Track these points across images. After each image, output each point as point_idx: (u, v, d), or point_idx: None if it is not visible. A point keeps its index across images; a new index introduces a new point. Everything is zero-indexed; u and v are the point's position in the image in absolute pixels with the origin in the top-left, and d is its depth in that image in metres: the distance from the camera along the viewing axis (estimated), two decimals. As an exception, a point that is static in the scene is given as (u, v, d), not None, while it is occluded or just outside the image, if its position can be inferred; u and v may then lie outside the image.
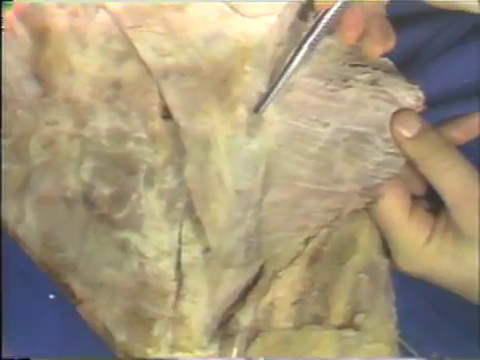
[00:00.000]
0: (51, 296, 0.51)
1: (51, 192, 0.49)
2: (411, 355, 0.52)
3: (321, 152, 0.47)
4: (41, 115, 0.49)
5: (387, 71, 0.47)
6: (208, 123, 0.46)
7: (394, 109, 0.47)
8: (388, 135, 0.47)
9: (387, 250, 0.49)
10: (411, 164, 0.47)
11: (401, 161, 0.47)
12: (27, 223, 0.49)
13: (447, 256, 0.45)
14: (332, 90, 0.47)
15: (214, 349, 0.48)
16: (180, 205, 0.48)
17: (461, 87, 0.54)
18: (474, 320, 0.51)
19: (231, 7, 0.47)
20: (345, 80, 0.47)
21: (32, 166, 0.49)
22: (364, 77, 0.47)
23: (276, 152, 0.47)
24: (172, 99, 0.47)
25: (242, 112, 0.46)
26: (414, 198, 0.48)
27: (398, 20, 0.49)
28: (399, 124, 0.46)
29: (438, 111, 0.52)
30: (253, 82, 0.46)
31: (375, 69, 0.47)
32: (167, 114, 0.47)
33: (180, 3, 0.47)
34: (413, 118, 0.46)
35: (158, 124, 0.48)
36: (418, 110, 0.47)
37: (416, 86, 0.47)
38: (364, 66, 0.47)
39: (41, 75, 0.49)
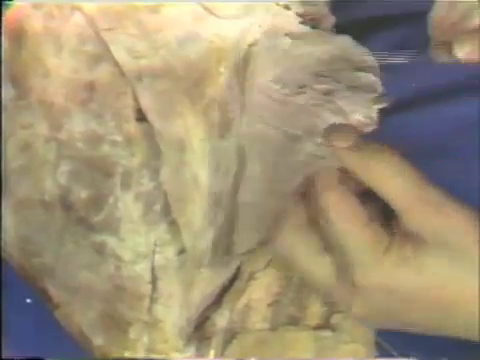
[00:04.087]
0: (28, 300, 0.51)
1: (29, 196, 0.49)
2: (391, 355, 0.52)
3: (274, 155, 0.47)
4: (17, 118, 0.49)
5: (352, 87, 0.47)
6: (182, 125, 0.47)
7: (336, 120, 0.47)
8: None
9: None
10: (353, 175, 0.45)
11: None
12: (5, 227, 0.49)
13: (409, 263, 0.42)
14: (286, 94, 0.47)
15: (191, 351, 0.48)
16: (157, 207, 0.48)
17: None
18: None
19: (205, 8, 0.47)
20: (301, 87, 0.47)
21: (9, 170, 0.49)
22: (321, 87, 0.47)
23: (245, 154, 0.47)
24: (146, 101, 0.47)
25: (216, 114, 0.46)
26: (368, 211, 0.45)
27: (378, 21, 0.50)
28: (336, 135, 0.44)
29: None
30: (227, 83, 0.46)
31: (338, 82, 0.47)
32: (141, 116, 0.47)
33: (155, 4, 0.47)
34: (349, 130, 0.45)
35: (132, 127, 0.48)
36: (365, 129, 0.47)
37: (375, 107, 0.47)
38: (328, 77, 0.47)
39: (17, 78, 0.49)
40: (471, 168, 0.52)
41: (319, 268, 0.44)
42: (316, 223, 0.44)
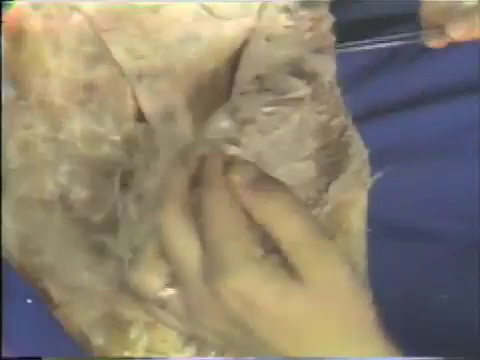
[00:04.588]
0: (29, 301, 0.51)
1: (29, 195, 0.49)
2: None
3: None
4: (17, 118, 0.49)
5: (260, 90, 0.47)
6: (182, 125, 0.47)
7: (222, 123, 0.46)
8: None
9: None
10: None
11: None
12: (5, 227, 0.49)
13: (275, 284, 0.40)
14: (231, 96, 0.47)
15: (191, 351, 0.48)
16: (157, 207, 0.48)
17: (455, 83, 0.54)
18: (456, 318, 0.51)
19: (206, 9, 0.47)
20: (240, 89, 0.47)
21: (9, 169, 0.49)
22: (244, 88, 0.47)
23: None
24: (146, 101, 0.47)
25: (215, 114, 0.46)
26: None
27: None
28: (234, 171, 0.42)
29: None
30: (226, 83, 0.46)
31: (257, 85, 0.47)
32: (141, 116, 0.47)
33: (155, 4, 0.47)
34: (249, 166, 0.43)
35: (132, 127, 0.48)
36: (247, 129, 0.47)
37: (266, 109, 0.47)
38: (262, 80, 0.47)
39: (17, 78, 0.49)
40: (471, 168, 0.52)
41: (190, 256, 0.42)
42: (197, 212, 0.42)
